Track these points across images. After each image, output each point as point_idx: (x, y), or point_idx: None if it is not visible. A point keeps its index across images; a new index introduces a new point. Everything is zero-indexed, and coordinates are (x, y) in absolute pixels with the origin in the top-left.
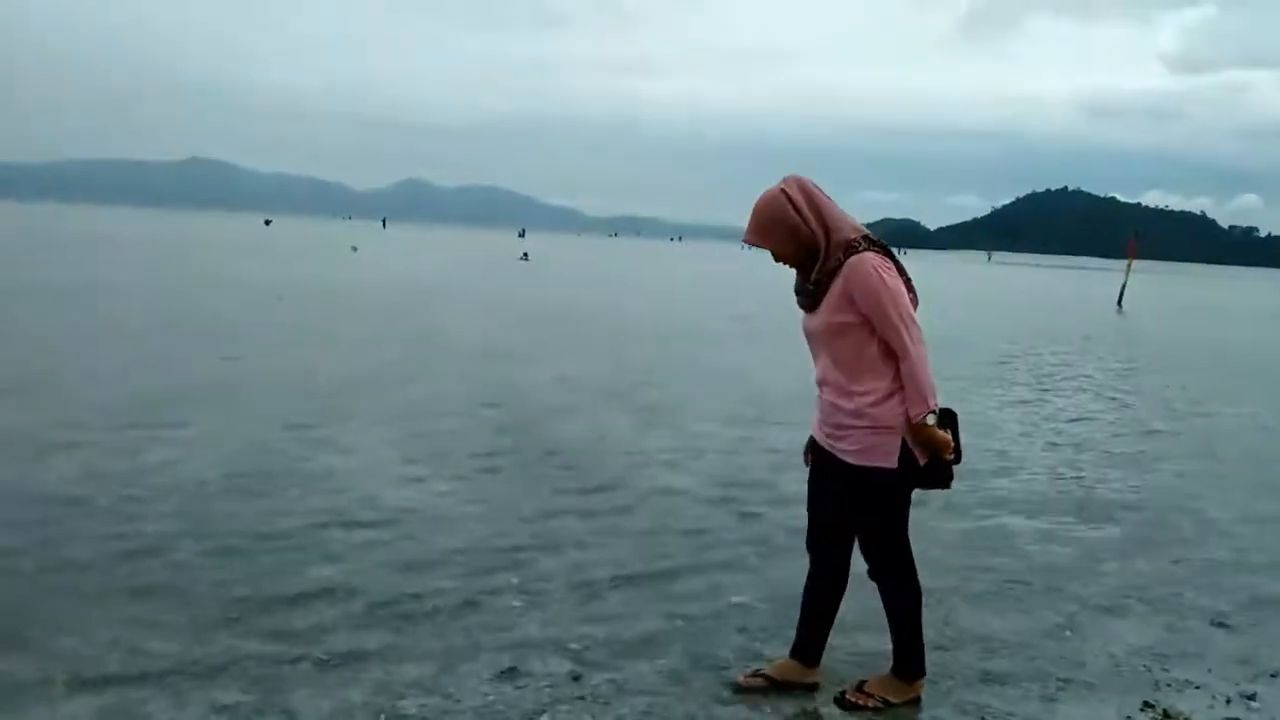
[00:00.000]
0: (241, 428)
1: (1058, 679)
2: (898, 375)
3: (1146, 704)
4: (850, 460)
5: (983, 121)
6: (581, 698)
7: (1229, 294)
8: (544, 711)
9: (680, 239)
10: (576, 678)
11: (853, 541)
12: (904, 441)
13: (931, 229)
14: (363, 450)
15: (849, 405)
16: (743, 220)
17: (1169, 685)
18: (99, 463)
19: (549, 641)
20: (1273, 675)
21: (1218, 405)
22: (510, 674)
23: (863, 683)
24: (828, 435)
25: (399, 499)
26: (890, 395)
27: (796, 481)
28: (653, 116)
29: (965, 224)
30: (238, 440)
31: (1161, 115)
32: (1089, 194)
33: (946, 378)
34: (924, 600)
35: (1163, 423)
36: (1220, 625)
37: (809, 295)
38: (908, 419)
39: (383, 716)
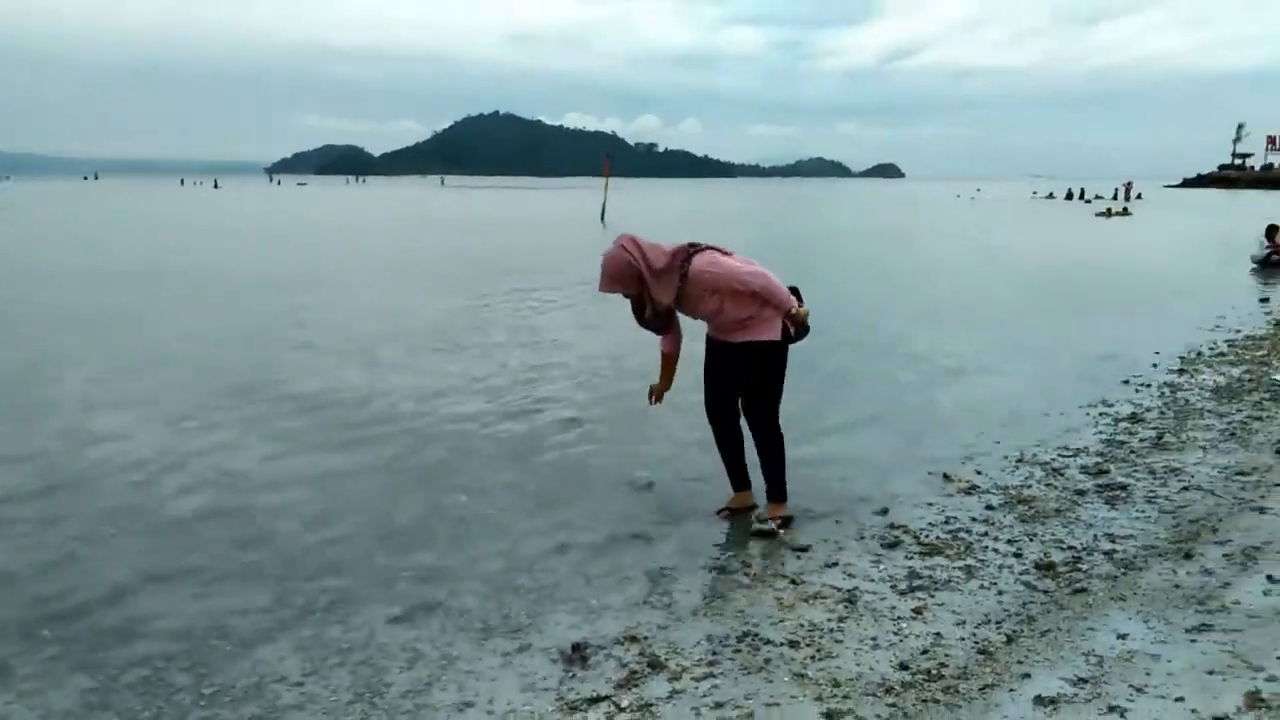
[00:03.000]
0: None
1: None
2: (758, 299)
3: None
4: (750, 338)
5: (417, 46)
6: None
7: (670, 201)
8: None
9: (95, 176)
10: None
11: (738, 406)
12: (782, 323)
13: (376, 155)
14: None
15: (744, 320)
16: (178, 150)
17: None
18: None
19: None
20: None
21: None
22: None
23: (760, 513)
24: (728, 334)
25: None
26: (763, 309)
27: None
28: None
29: (409, 149)
30: None
31: (573, 41)
32: (519, 117)
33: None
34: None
35: None
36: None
37: (676, 302)
38: (787, 312)
39: None
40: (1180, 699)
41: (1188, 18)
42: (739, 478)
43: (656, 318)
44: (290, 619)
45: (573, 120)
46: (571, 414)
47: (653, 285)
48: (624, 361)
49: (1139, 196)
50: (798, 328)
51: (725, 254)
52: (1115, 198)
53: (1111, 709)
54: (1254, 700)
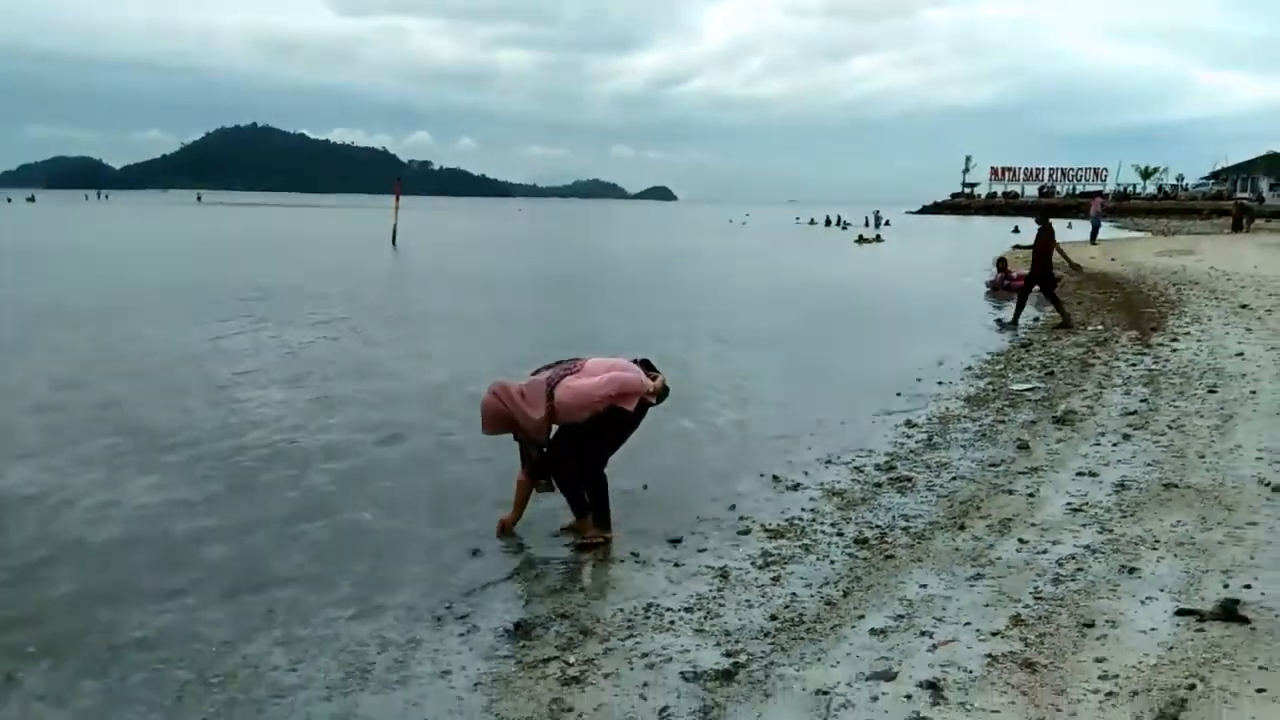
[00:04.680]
0: None
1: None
2: (615, 400)
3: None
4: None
5: (161, 54)
6: None
7: (456, 223)
8: None
9: None
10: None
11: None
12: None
13: (117, 167)
14: None
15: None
16: None
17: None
18: None
19: None
20: None
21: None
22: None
23: (581, 534)
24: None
25: None
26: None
27: None
28: None
29: (156, 161)
30: None
31: (336, 54)
32: (280, 130)
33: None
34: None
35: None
36: None
37: (549, 422)
38: (646, 395)
39: None
40: (968, 623)
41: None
42: (578, 505)
43: (535, 445)
44: (257, 624)
45: (340, 135)
46: (441, 433)
47: (525, 425)
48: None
49: (887, 223)
50: (658, 398)
51: (576, 371)
52: (867, 224)
53: (922, 634)
54: (1016, 620)
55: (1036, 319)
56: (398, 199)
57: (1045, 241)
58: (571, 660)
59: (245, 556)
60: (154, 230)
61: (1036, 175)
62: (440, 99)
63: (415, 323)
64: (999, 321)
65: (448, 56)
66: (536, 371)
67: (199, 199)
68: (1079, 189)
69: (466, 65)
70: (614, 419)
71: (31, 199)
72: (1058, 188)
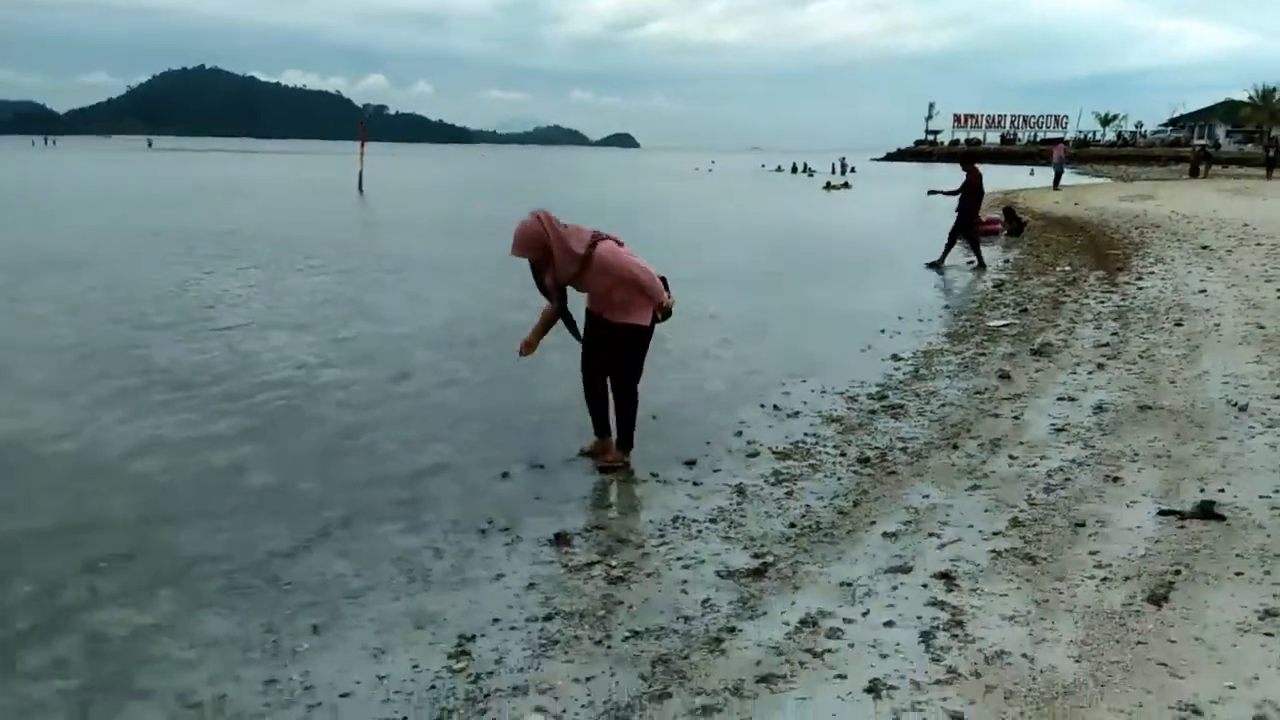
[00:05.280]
0: None
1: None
2: (638, 288)
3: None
4: (625, 320)
5: None
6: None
7: (422, 170)
8: None
9: None
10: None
11: (606, 370)
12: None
13: (62, 112)
14: None
15: (624, 303)
16: None
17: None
18: None
19: None
20: None
21: None
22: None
23: (605, 458)
24: (607, 313)
25: None
26: (639, 297)
27: None
28: None
29: (101, 105)
30: None
31: None
32: (229, 73)
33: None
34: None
35: None
36: None
37: (578, 276)
38: (660, 305)
39: None
40: (970, 526)
41: (875, 3)
42: (601, 426)
43: (556, 286)
44: (314, 539)
45: (292, 78)
46: (449, 371)
47: (559, 257)
48: (486, 324)
49: (853, 170)
50: (664, 314)
51: (620, 244)
52: (834, 171)
53: (930, 535)
54: (1014, 523)
55: (1006, 260)
56: (363, 144)
57: (976, 184)
58: (614, 563)
59: (287, 483)
60: (111, 176)
61: (998, 122)
62: (396, 40)
63: (399, 269)
64: (929, 264)
65: None
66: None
67: (150, 144)
68: (1040, 136)
69: (422, 5)
70: (638, 335)
71: None
72: (1019, 135)
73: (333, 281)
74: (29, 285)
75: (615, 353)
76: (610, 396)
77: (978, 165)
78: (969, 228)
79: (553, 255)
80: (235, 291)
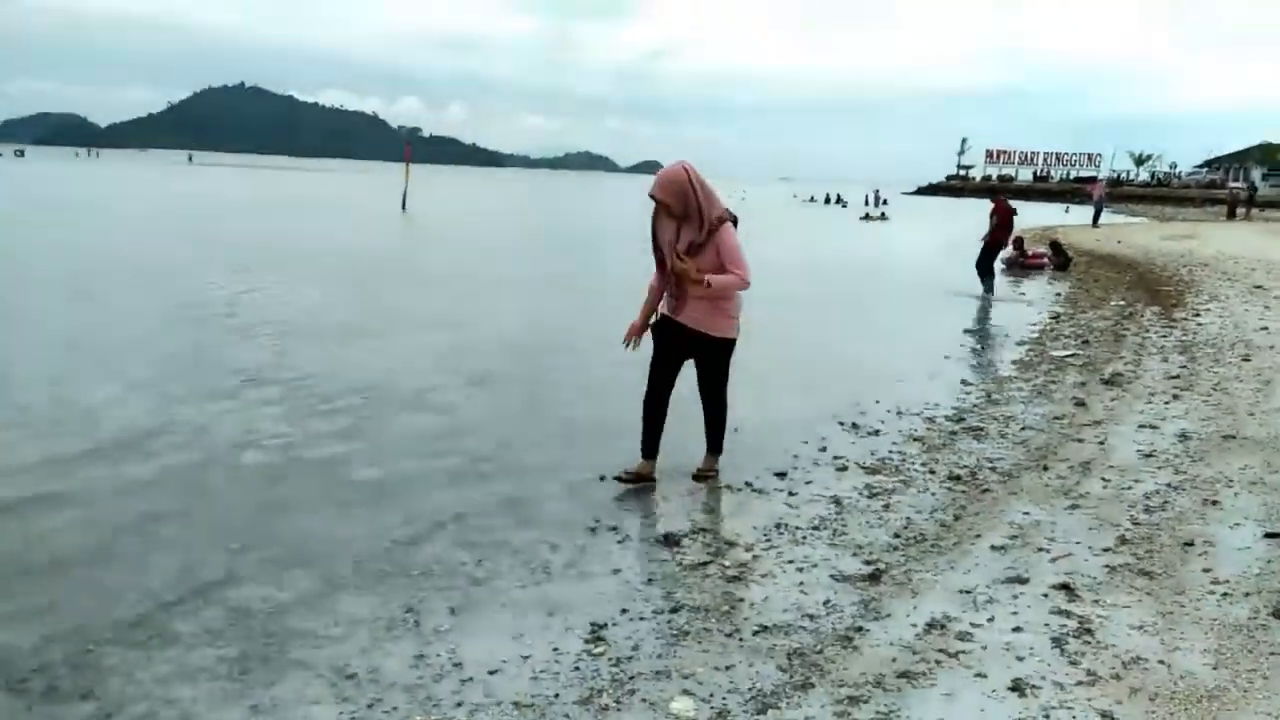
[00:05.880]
0: None
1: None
2: (736, 284)
3: None
4: (716, 334)
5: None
6: None
7: (464, 192)
8: None
9: None
10: None
11: (674, 382)
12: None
13: (103, 125)
14: None
15: (717, 309)
16: None
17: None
18: None
19: None
20: None
21: None
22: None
23: (701, 470)
24: (699, 324)
25: None
26: (731, 301)
27: None
28: None
29: (142, 120)
30: None
31: (327, 15)
32: (269, 91)
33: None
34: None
35: None
36: None
37: (697, 246)
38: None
39: None
40: (1078, 542)
41: (910, 37)
42: (652, 447)
43: (671, 246)
44: (432, 531)
45: (330, 98)
46: (529, 377)
47: (692, 215)
48: (556, 334)
49: (885, 202)
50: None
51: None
52: (867, 202)
53: (1039, 549)
54: (1122, 540)
55: (1058, 294)
56: (408, 164)
57: (1007, 216)
58: (727, 563)
59: (392, 478)
60: (156, 189)
61: (1031, 159)
62: (431, 63)
63: (459, 281)
64: (1022, 295)
65: (440, 20)
66: None
67: (190, 159)
68: (1073, 174)
69: (459, 30)
70: (731, 347)
71: (20, 153)
72: (1052, 172)
73: (391, 291)
74: (105, 290)
75: (709, 366)
76: (665, 409)
77: (1006, 199)
78: (988, 255)
79: (687, 209)
80: (302, 300)
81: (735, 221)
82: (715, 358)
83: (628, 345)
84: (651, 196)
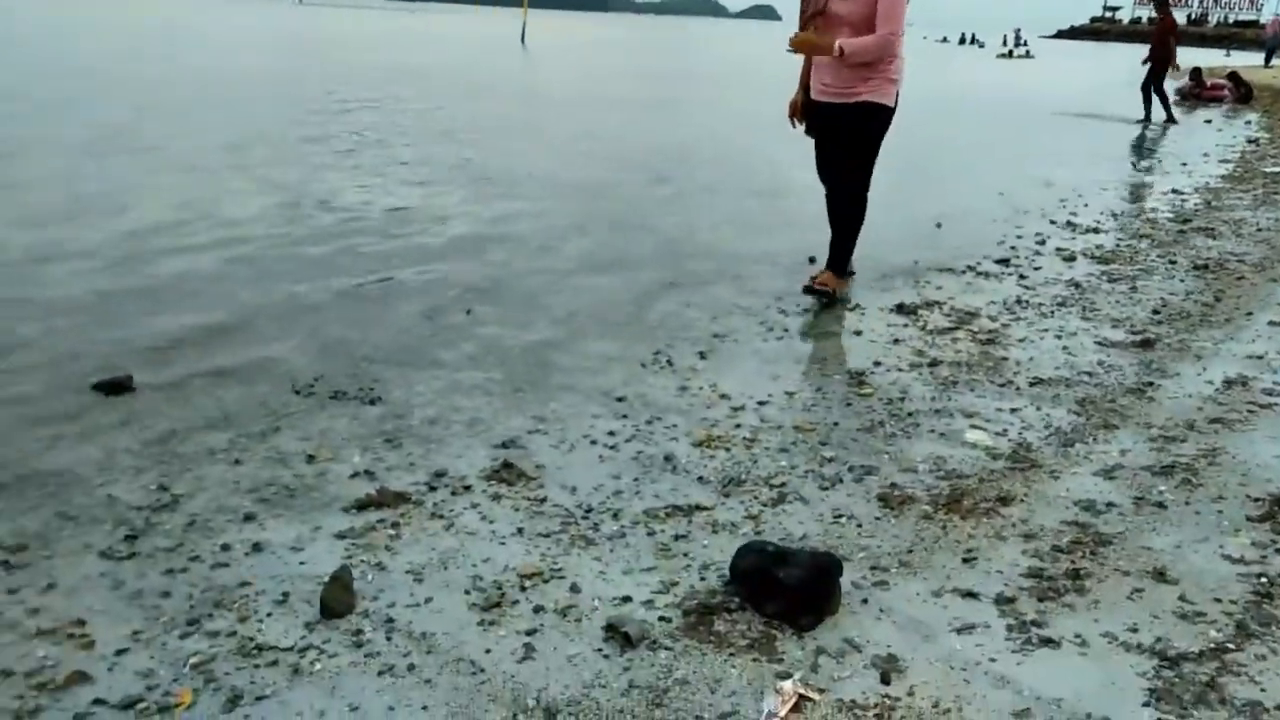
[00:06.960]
0: None
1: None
2: (890, 44)
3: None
4: (865, 96)
5: None
6: None
7: (581, 31)
8: None
9: None
10: None
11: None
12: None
13: None
14: None
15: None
16: None
17: None
18: None
19: None
20: None
21: None
22: None
23: (814, 278)
24: (841, 94)
25: None
26: (889, 65)
27: None
28: None
29: None
30: None
31: None
32: None
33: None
34: None
35: None
36: None
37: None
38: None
39: None
40: None
41: None
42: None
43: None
44: (656, 292)
45: None
46: (722, 180)
47: None
48: (717, 145)
49: (1026, 42)
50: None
51: None
52: (1005, 43)
53: None
54: None
55: (1248, 121)
56: (526, 3)
57: (1166, 28)
58: (975, 329)
59: (605, 247)
60: (282, 27)
61: (1186, 1)
62: None
63: (596, 103)
64: (1208, 121)
65: None
66: None
67: (300, 1)
68: (1232, 18)
69: None
70: (885, 118)
71: None
72: (1209, 16)
73: (549, 109)
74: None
75: (854, 142)
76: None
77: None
78: (1158, 79)
79: None
80: (512, 115)
81: None
82: (862, 126)
83: (793, 124)
84: None
